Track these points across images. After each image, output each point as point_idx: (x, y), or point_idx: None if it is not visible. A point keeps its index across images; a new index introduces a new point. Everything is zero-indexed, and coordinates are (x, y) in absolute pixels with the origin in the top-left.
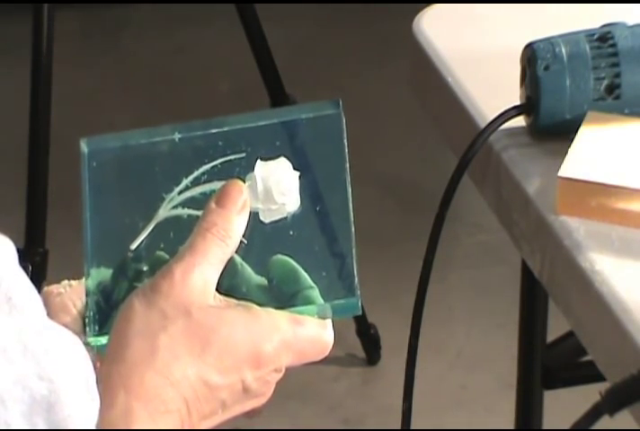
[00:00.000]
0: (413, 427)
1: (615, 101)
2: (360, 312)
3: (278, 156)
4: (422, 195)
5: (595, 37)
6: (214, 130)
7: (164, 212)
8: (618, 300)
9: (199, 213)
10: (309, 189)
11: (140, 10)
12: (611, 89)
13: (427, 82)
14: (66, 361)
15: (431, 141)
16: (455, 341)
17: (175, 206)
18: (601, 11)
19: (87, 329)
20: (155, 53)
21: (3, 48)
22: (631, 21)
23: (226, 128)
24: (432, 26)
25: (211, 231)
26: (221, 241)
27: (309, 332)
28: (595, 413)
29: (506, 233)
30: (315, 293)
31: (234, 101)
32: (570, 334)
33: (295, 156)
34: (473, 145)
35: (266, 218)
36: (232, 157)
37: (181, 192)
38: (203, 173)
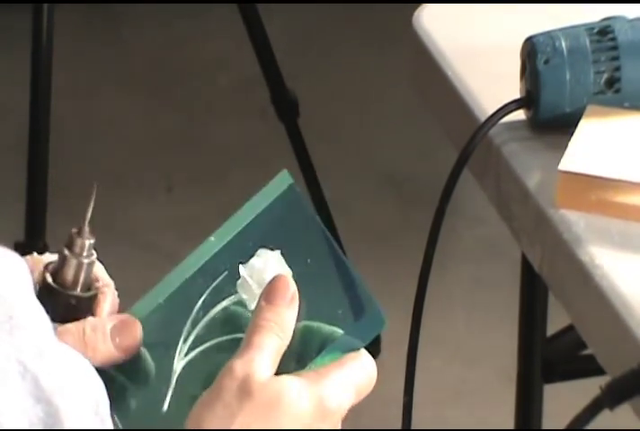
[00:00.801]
0: (413, 420)
1: (615, 94)
2: (385, 323)
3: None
4: (422, 189)
5: (595, 30)
6: (190, 273)
7: (178, 364)
8: (618, 294)
9: (213, 342)
10: (294, 257)
11: (140, 3)
12: (611, 82)
13: (427, 75)
14: (70, 383)
15: (431, 135)
16: (455, 335)
17: (187, 353)
18: (603, 8)
19: None
20: (156, 46)
21: (2, 41)
22: (631, 15)
23: (197, 267)
24: (432, 20)
25: (265, 326)
26: (275, 334)
27: (334, 376)
28: (595, 407)
29: (506, 227)
30: (338, 332)
31: (234, 94)
32: (570, 328)
33: (270, 242)
34: (473, 139)
35: None
36: (216, 282)
37: (186, 339)
38: (198, 311)
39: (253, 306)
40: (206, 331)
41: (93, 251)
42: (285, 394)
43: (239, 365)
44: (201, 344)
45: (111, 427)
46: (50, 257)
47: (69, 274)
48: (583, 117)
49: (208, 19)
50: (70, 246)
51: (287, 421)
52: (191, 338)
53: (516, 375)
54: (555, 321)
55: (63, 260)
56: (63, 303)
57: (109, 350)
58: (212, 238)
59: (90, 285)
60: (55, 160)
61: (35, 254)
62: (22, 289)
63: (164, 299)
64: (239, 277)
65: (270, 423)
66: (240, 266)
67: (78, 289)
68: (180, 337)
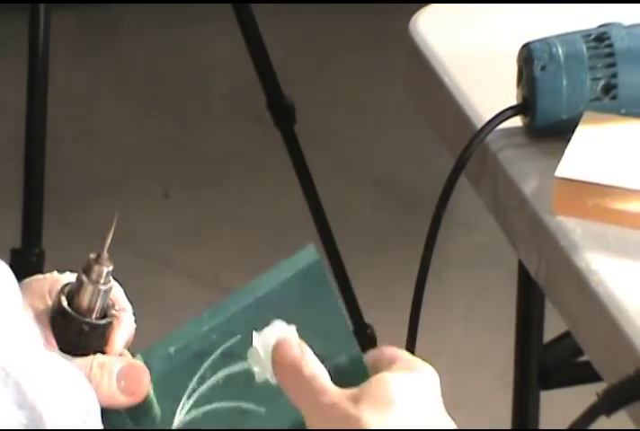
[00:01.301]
0: None
1: (611, 101)
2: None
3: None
4: (419, 195)
5: (592, 37)
6: (205, 328)
7: (178, 418)
8: (615, 300)
9: (214, 405)
10: (311, 334)
11: (137, 9)
12: (608, 89)
13: (423, 82)
14: (55, 390)
15: (428, 141)
16: (451, 341)
17: (189, 411)
18: (598, 11)
19: None
20: (153, 53)
21: (1, 47)
22: (627, 22)
23: (213, 323)
24: (429, 26)
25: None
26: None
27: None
28: (592, 413)
29: (503, 234)
30: None
31: (231, 101)
32: (566, 334)
33: (286, 315)
34: (469, 146)
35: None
36: (229, 343)
37: (190, 396)
38: (206, 370)
39: (260, 377)
40: (210, 392)
41: (111, 278)
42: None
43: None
44: (204, 404)
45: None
46: (70, 276)
47: (85, 300)
48: (580, 123)
49: (205, 25)
50: (88, 272)
51: None
52: (195, 395)
53: (512, 382)
54: (552, 328)
55: (80, 285)
56: (76, 328)
57: (111, 391)
58: (232, 297)
59: (106, 311)
60: (51, 167)
61: (55, 273)
62: (7, 298)
63: (175, 349)
64: (251, 343)
65: None
66: (254, 333)
67: (93, 316)
68: (185, 392)
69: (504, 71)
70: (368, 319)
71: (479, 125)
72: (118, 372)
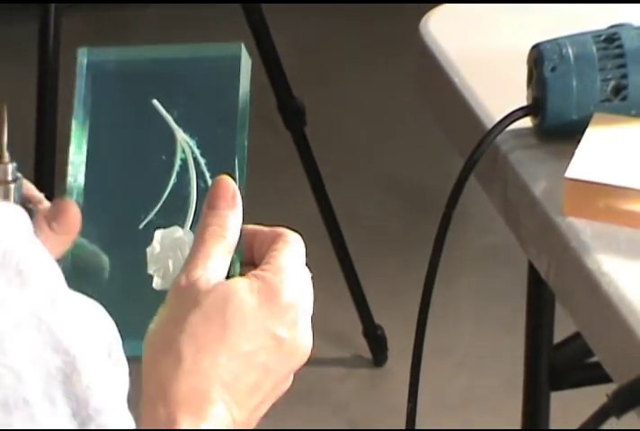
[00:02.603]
0: (418, 428)
1: (621, 102)
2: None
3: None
4: (429, 196)
5: (602, 38)
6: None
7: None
8: (625, 301)
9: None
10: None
11: (145, 11)
12: (618, 90)
13: (433, 82)
14: (83, 330)
15: (438, 142)
16: (461, 342)
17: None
18: (608, 11)
19: None
20: None
21: (10, 49)
22: (637, 22)
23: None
24: (439, 27)
25: (207, 231)
26: (218, 236)
27: (280, 267)
28: (602, 415)
29: (513, 235)
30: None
31: None
32: (577, 335)
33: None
34: (479, 147)
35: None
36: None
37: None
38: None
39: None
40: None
41: (18, 174)
42: (232, 296)
43: (184, 278)
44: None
45: (125, 367)
46: None
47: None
48: (590, 124)
49: (216, 27)
50: None
51: (238, 322)
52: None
53: (522, 383)
54: (562, 329)
55: None
56: None
57: (50, 239)
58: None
59: (23, 205)
60: (62, 169)
61: None
62: (28, 241)
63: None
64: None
65: (216, 331)
66: (156, 231)
67: None
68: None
69: (514, 72)
70: (378, 320)
71: (489, 126)
72: (46, 219)
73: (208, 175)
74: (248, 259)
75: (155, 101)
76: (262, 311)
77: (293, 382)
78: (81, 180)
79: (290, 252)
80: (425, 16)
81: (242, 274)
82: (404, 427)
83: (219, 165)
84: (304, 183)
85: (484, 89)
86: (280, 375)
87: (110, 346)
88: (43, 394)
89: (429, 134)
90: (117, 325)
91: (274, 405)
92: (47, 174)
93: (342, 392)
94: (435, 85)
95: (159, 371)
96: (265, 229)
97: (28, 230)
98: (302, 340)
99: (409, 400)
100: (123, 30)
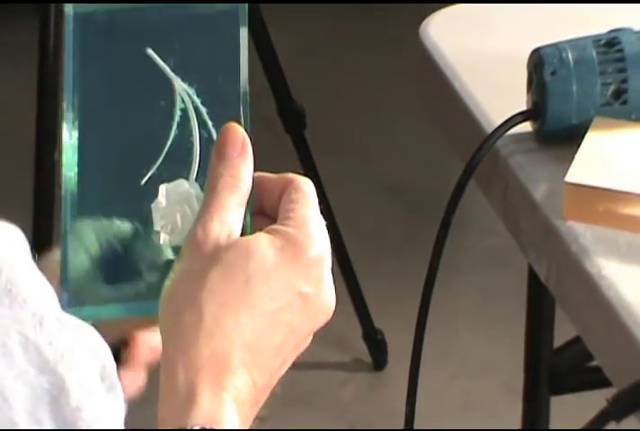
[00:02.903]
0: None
1: (622, 106)
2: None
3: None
4: (429, 200)
5: (602, 42)
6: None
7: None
8: (625, 305)
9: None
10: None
11: None
12: (618, 94)
13: (433, 86)
14: (72, 352)
15: (438, 146)
16: (461, 346)
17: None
18: (608, 13)
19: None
20: None
21: (10, 49)
22: (637, 26)
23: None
24: (439, 31)
25: (219, 181)
26: (232, 186)
27: (300, 221)
28: (602, 419)
29: (513, 239)
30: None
31: None
32: (577, 339)
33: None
34: (479, 151)
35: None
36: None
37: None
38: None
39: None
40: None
41: None
42: (255, 251)
43: (200, 230)
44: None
45: (120, 390)
46: None
47: None
48: (590, 129)
49: None
50: None
51: (261, 278)
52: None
53: (522, 387)
54: (562, 333)
55: None
56: None
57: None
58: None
59: None
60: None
61: None
62: (21, 260)
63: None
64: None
65: (238, 288)
66: (160, 186)
67: None
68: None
69: (514, 76)
70: (378, 324)
71: (489, 130)
72: None
73: (210, 124)
74: (257, 207)
75: (150, 51)
76: (287, 267)
77: (293, 386)
78: (76, 136)
79: (308, 204)
80: (425, 20)
81: (255, 225)
82: None
83: (223, 113)
84: None
85: (483, 93)
86: (304, 334)
87: (103, 370)
88: (29, 415)
89: (429, 137)
90: (128, 286)
91: (274, 408)
92: (47, 174)
93: (342, 396)
94: (435, 89)
95: (179, 330)
96: (272, 176)
97: (21, 249)
98: (327, 297)
99: (407, 404)
100: None
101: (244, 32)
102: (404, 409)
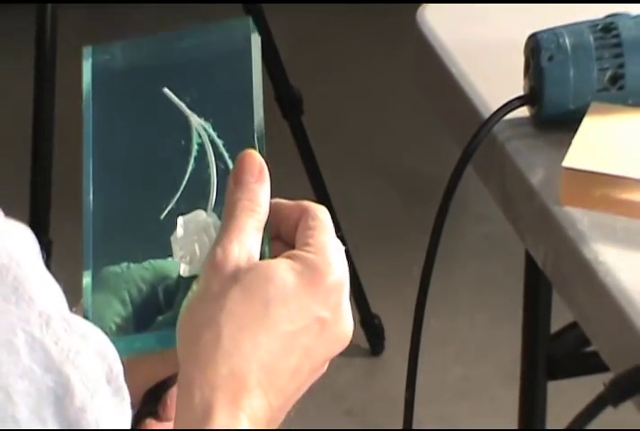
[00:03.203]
0: (416, 418)
1: (618, 91)
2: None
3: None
4: (426, 186)
5: (599, 27)
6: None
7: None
8: (622, 290)
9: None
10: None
11: (143, 8)
12: (615, 79)
13: (431, 72)
14: (79, 352)
15: (435, 132)
16: (459, 332)
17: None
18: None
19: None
20: None
21: (6, 45)
22: (634, 11)
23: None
24: (436, 16)
25: (238, 205)
26: (250, 210)
27: (318, 246)
28: (599, 404)
29: (510, 224)
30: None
31: None
32: (574, 325)
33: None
34: (476, 136)
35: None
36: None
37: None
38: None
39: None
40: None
41: None
42: (275, 274)
43: (219, 251)
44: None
45: (126, 395)
46: None
47: None
48: (587, 114)
49: (211, 18)
50: None
51: (280, 301)
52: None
53: (520, 372)
54: (559, 318)
55: None
56: None
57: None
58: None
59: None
60: (59, 157)
61: None
62: (29, 259)
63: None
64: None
65: (258, 310)
66: (179, 218)
67: None
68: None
69: (511, 61)
70: (375, 309)
71: (486, 115)
72: None
73: (227, 156)
74: (274, 233)
75: (166, 90)
76: (306, 291)
77: None
78: (91, 176)
79: (326, 230)
80: (422, 6)
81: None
82: (400, 416)
83: (238, 144)
84: (301, 172)
85: (481, 78)
86: (320, 359)
87: (109, 372)
88: (33, 413)
89: (426, 124)
90: (147, 319)
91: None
92: (44, 165)
93: (339, 382)
94: (432, 75)
95: (197, 349)
96: (287, 202)
97: (31, 249)
98: (345, 324)
99: (407, 389)
100: (119, 27)
101: (255, 57)
102: (401, 393)
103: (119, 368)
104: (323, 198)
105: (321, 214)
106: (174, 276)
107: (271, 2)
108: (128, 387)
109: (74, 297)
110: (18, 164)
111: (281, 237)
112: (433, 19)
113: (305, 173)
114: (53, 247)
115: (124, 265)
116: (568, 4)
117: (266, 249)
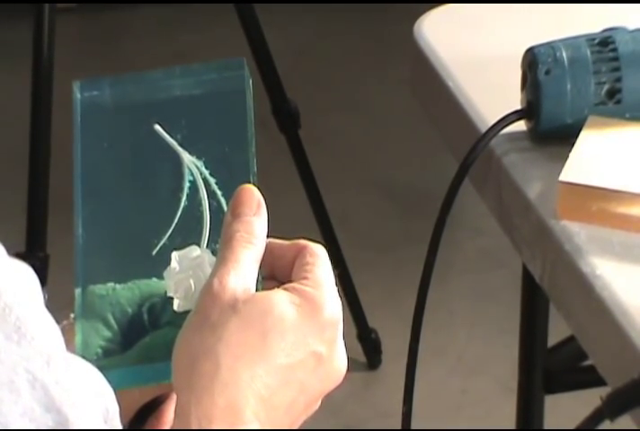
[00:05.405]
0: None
1: (616, 105)
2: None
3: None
4: (423, 199)
5: (596, 41)
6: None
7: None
8: (619, 304)
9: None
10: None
11: (140, 14)
12: (612, 93)
13: (428, 86)
14: (77, 392)
15: (432, 145)
16: (456, 345)
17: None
18: (601, 13)
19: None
20: (155, 57)
21: (3, 52)
22: (631, 26)
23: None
24: (433, 30)
25: (235, 237)
26: (247, 242)
27: (316, 280)
28: (596, 418)
29: (507, 238)
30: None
31: None
32: (571, 338)
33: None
34: (474, 150)
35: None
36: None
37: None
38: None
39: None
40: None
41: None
42: (273, 306)
43: (216, 282)
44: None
45: None
46: None
47: None
48: (584, 128)
49: (209, 30)
50: None
51: (278, 333)
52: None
53: (517, 386)
54: (556, 332)
55: None
56: None
57: None
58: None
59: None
60: (56, 171)
61: None
62: (31, 299)
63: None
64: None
65: (255, 341)
66: (173, 252)
67: None
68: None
69: (508, 75)
70: (372, 323)
71: (483, 129)
72: None
73: (219, 194)
74: (267, 272)
75: (158, 127)
76: (303, 324)
77: None
78: (81, 212)
79: (324, 266)
80: (419, 19)
81: (265, 288)
82: (398, 429)
83: (231, 182)
84: (298, 186)
85: (478, 92)
86: (314, 395)
87: (106, 412)
88: None
89: (423, 137)
90: (142, 351)
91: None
92: (41, 177)
93: (336, 395)
94: (429, 89)
95: (194, 379)
96: (281, 242)
97: (32, 287)
98: (339, 361)
99: (404, 403)
100: (116, 33)
101: (249, 98)
102: (398, 407)
103: (115, 408)
104: (320, 212)
105: (318, 251)
106: (159, 294)
107: (265, 2)
108: (121, 416)
109: (69, 310)
110: (15, 178)
111: (276, 276)
112: (430, 32)
113: (302, 187)
114: (49, 261)
115: (110, 286)
116: (566, 11)
117: (259, 286)
